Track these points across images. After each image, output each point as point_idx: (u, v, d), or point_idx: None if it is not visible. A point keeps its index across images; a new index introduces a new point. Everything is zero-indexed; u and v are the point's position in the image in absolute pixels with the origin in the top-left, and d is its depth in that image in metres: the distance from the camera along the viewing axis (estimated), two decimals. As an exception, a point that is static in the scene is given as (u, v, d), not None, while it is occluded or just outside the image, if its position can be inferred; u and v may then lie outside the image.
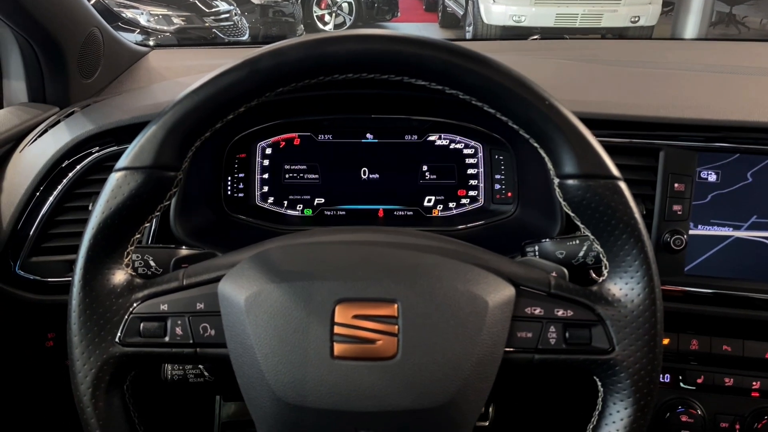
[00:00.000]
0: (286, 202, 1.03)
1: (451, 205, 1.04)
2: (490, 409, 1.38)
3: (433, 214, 1.04)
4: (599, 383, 0.61)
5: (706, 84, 1.03)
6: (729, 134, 0.84)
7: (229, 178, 1.01)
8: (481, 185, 1.03)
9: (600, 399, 0.61)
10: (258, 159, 1.02)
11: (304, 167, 1.03)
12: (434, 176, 1.03)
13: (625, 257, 0.60)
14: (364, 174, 1.03)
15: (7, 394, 0.99)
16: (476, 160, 1.02)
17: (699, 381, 0.89)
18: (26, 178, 0.86)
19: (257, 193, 1.03)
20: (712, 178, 0.84)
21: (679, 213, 0.84)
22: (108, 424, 0.59)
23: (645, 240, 0.60)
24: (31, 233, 0.85)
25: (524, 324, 0.60)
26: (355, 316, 0.57)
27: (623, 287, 0.60)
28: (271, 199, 1.03)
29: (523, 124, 0.61)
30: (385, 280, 0.58)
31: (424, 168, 1.03)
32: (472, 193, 1.03)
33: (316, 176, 1.03)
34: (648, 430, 0.90)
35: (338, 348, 0.56)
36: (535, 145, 0.62)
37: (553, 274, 0.65)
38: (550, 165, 0.61)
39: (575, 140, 0.60)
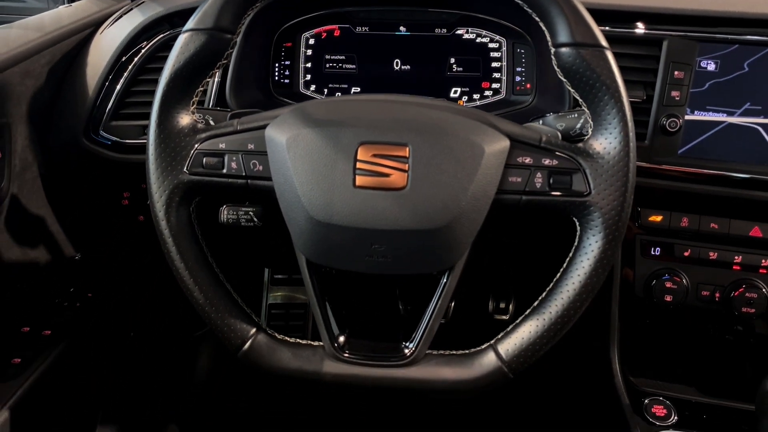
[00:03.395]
0: (326, 90, 1.16)
1: (475, 96, 1.14)
2: (511, 306, 1.52)
3: (459, 105, 1.15)
4: (577, 223, 0.73)
5: None
6: (729, 25, 0.91)
7: (277, 65, 1.14)
8: (504, 78, 1.13)
9: (577, 236, 0.73)
10: (302, 49, 1.14)
11: (343, 57, 1.14)
12: (460, 69, 1.13)
13: (606, 116, 0.71)
14: (397, 65, 1.14)
15: (91, 248, 1.18)
16: (500, 54, 1.12)
17: (686, 254, 0.99)
18: (106, 55, 1.01)
19: (301, 81, 1.16)
20: (711, 67, 0.92)
21: (677, 99, 0.93)
22: (177, 234, 0.75)
23: (624, 101, 0.70)
24: (111, 101, 1.01)
25: (515, 171, 0.72)
26: (374, 155, 0.70)
27: (603, 142, 0.71)
28: (313, 87, 1.16)
29: None
30: (399, 128, 0.71)
31: (452, 60, 1.13)
32: (495, 85, 1.13)
33: (354, 66, 1.14)
34: (635, 296, 1.02)
35: (359, 179, 0.70)
36: (536, 18, 0.72)
37: (550, 135, 0.76)
38: (548, 36, 0.72)
39: (570, 12, 0.70)
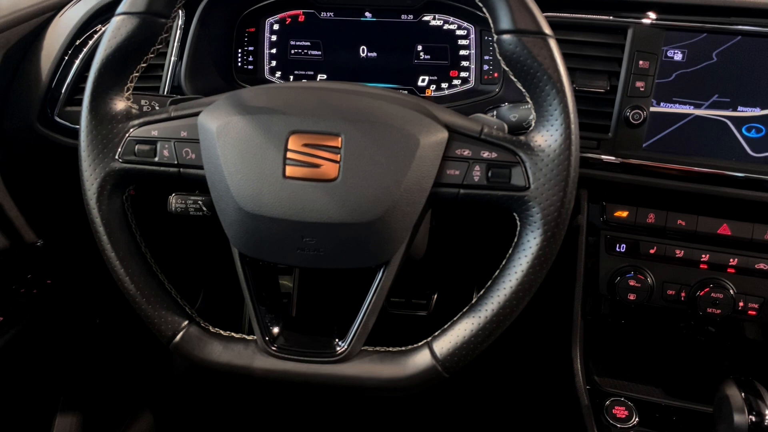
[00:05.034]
0: (291, 77, 1.13)
1: (443, 85, 1.11)
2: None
3: (427, 94, 1.12)
4: (517, 218, 0.70)
5: None
6: (697, 14, 0.86)
7: (240, 51, 1.12)
8: (472, 66, 1.09)
9: (517, 232, 0.70)
10: (266, 34, 1.12)
11: (308, 44, 1.11)
12: (428, 56, 1.10)
13: (548, 107, 0.68)
14: (363, 52, 1.11)
15: (53, 234, 1.17)
16: (468, 41, 1.08)
17: (651, 251, 0.96)
18: (61, 38, 1.00)
19: (266, 67, 1.13)
20: (678, 57, 0.88)
21: (641, 90, 0.89)
22: (109, 223, 0.73)
23: (567, 92, 0.67)
24: (65, 86, 0.99)
25: (453, 163, 0.69)
26: (305, 145, 0.68)
27: (544, 134, 0.68)
28: (278, 74, 1.13)
29: None
30: (333, 118, 0.69)
31: (419, 48, 1.10)
32: (463, 74, 1.10)
33: (319, 53, 1.11)
34: (599, 294, 0.99)
35: (289, 169, 0.68)
36: (480, 4, 0.69)
37: (495, 126, 0.73)
38: (491, 22, 0.69)
39: None
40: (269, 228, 0.69)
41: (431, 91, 1.11)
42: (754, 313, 0.93)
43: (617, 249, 0.97)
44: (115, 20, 0.71)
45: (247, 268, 0.73)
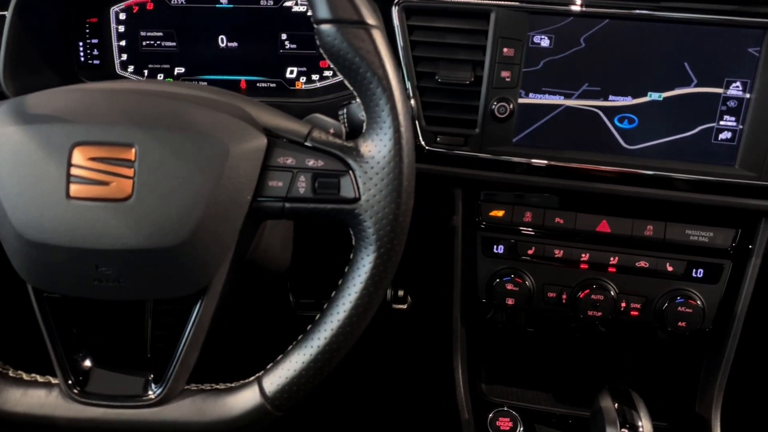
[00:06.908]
0: (146, 72, 1.02)
1: (314, 77, 1.01)
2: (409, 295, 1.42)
3: (297, 87, 1.02)
4: (352, 234, 0.62)
5: None
6: (561, -5, 0.79)
7: (81, 44, 0.99)
8: (343, 56, 1.00)
9: (352, 249, 0.62)
10: (113, 25, 1.00)
11: (161, 34, 1.00)
12: (294, 45, 1.00)
13: (375, 108, 0.60)
14: (222, 42, 1.00)
15: None
16: (336, 28, 0.99)
17: (530, 252, 0.89)
18: None
19: (116, 61, 1.01)
20: (545, 43, 0.81)
21: (507, 80, 0.82)
22: None
23: (395, 91, 0.59)
24: None
25: (276, 173, 0.61)
26: (92, 158, 0.58)
27: (374, 139, 0.60)
28: (131, 68, 1.02)
29: None
30: (124, 125, 0.59)
31: (284, 36, 1.00)
32: (334, 64, 1.01)
33: (174, 44, 1.00)
34: (476, 298, 0.92)
35: (74, 188, 0.58)
36: None
37: (330, 129, 0.65)
38: (310, 10, 0.60)
39: None
40: (57, 258, 0.59)
41: (302, 84, 1.02)
42: (636, 313, 0.88)
43: (494, 250, 0.91)
44: None
45: (45, 304, 0.63)
